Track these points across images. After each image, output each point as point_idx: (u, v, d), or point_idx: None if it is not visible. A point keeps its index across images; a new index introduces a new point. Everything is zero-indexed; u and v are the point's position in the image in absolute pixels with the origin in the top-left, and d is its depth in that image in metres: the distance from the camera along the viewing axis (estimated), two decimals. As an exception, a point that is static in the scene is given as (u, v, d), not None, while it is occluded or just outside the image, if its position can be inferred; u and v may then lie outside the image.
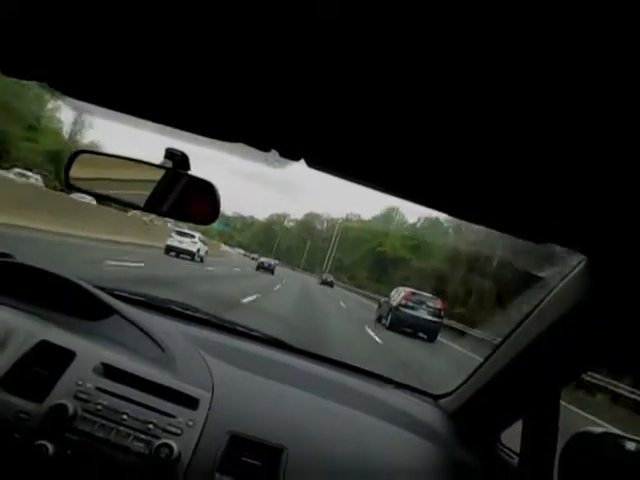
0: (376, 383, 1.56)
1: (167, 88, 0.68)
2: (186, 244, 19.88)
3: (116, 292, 1.52)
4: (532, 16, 0.37)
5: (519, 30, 0.39)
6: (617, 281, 0.83)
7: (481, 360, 1.32)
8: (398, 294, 14.43)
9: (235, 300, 9.44)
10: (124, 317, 1.32)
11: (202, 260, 20.96)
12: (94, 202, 18.85)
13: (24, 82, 0.77)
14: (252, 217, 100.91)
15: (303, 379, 1.36)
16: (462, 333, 17.55)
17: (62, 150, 32.07)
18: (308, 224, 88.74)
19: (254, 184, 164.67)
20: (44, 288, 1.33)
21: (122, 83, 0.69)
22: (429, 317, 13.75)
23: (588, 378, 9.12)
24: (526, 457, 1.16)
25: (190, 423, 1.04)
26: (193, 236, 20.20)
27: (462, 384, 1.40)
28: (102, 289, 1.42)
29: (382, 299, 16.51)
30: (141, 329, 1.29)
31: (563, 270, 0.98)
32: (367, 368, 1.65)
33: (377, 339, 10.60)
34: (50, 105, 34.42)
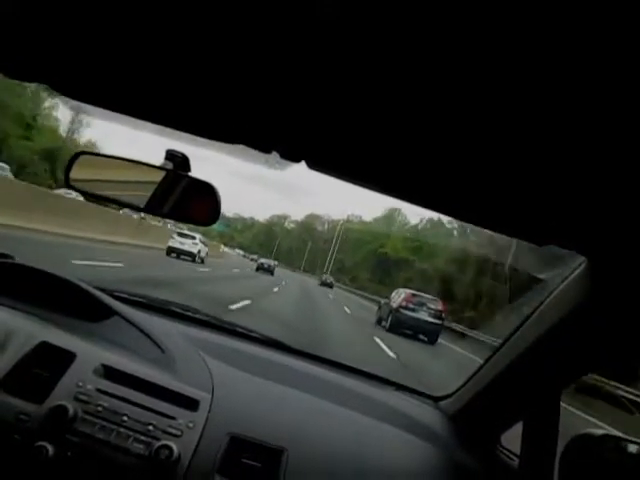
0: (376, 385, 1.55)
1: (168, 90, 0.68)
2: (187, 245, 19.94)
3: (116, 293, 1.52)
4: (531, 17, 0.37)
5: (519, 33, 0.39)
6: (617, 283, 0.82)
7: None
8: (398, 295, 14.40)
9: (223, 305, 8.24)
10: (124, 318, 1.32)
11: (203, 261, 20.99)
12: (80, 198, 18.12)
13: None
14: (252, 218, 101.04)
15: (303, 380, 1.36)
16: (462, 335, 17.50)
17: (56, 148, 31.74)
18: (309, 225, 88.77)
19: (254, 185, 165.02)
20: (44, 289, 1.33)
21: (123, 85, 0.69)
22: (430, 319, 13.70)
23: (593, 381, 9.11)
24: (526, 459, 1.16)
25: (190, 425, 1.04)
26: (194, 237, 20.25)
27: (462, 386, 1.40)
28: (102, 290, 1.42)
29: (382, 301, 16.47)
30: (141, 330, 1.29)
31: (564, 272, 0.98)
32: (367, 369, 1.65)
33: (390, 353, 9.04)
34: (47, 103, 34.41)
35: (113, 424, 1.02)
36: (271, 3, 0.44)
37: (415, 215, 67.67)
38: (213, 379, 1.18)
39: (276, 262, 35.19)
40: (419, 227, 64.20)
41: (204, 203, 1.01)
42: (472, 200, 0.74)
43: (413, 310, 13.57)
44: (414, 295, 14.31)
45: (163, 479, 0.99)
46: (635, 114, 0.44)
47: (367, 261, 59.51)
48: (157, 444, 0.99)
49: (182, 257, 19.52)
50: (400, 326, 13.26)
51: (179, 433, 1.02)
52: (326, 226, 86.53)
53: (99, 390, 1.06)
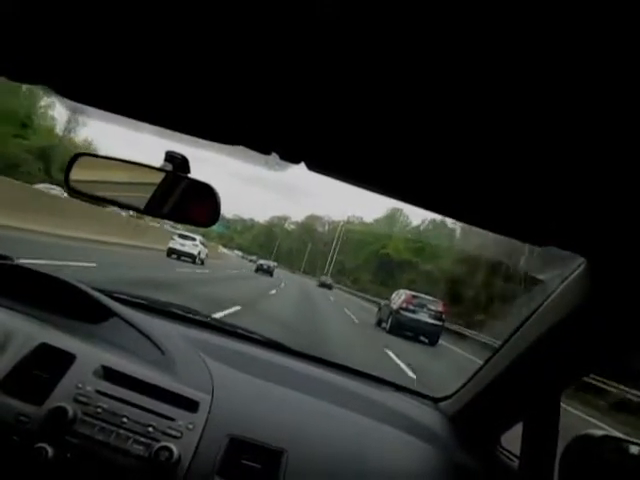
0: (376, 386, 1.55)
1: (167, 91, 0.68)
2: (187, 247, 19.95)
3: (116, 295, 1.52)
4: (531, 18, 0.37)
5: (519, 34, 0.39)
6: (617, 284, 0.83)
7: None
8: (399, 297, 14.37)
9: (205, 313, 6.19)
10: (124, 320, 1.32)
11: (202, 263, 20.97)
12: (65, 194, 16.90)
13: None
14: (252, 220, 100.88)
15: (303, 382, 1.36)
16: (463, 336, 17.42)
17: (51, 147, 31.37)
18: (309, 226, 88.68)
19: (254, 187, 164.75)
20: (44, 290, 1.33)
21: (122, 87, 0.70)
22: (430, 320, 13.67)
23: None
24: (526, 460, 1.16)
25: (190, 426, 1.04)
26: (194, 239, 20.25)
27: (462, 387, 1.40)
28: (101, 291, 1.42)
29: (382, 302, 16.44)
30: (141, 332, 1.29)
31: (564, 273, 0.98)
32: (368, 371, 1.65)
33: (409, 372, 7.41)
34: (43, 102, 34.17)
35: (113, 425, 1.02)
36: (271, 3, 0.44)
37: (417, 216, 67.54)
38: (213, 380, 1.18)
39: (275, 263, 35.20)
40: (421, 228, 64.14)
41: (204, 204, 1.01)
42: (472, 201, 0.74)
43: (413, 312, 13.54)
44: (414, 296, 14.28)
45: None
46: (634, 115, 0.44)
47: (369, 263, 59.32)
48: (157, 445, 0.99)
49: (182, 258, 19.52)
50: (400, 328, 13.23)
51: (179, 434, 1.02)
52: (326, 227, 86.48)
53: (99, 391, 1.06)
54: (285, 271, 51.76)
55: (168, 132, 0.75)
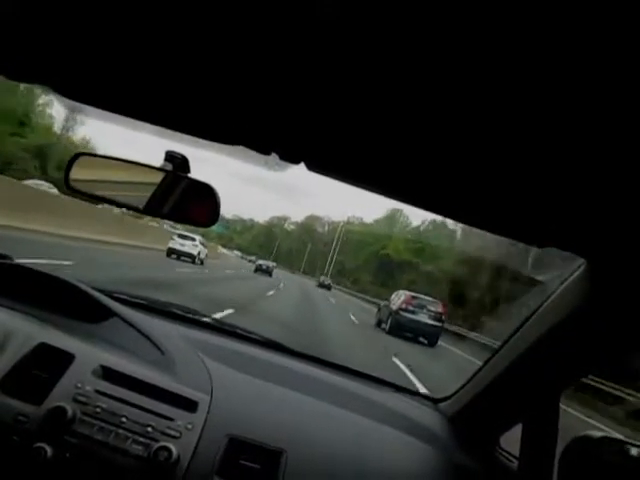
0: (375, 386, 1.55)
1: (167, 91, 0.68)
2: (187, 247, 19.97)
3: (116, 295, 1.52)
4: (531, 18, 0.37)
5: (519, 35, 0.39)
6: (616, 285, 0.83)
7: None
8: (398, 297, 14.36)
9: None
10: (123, 319, 1.32)
11: (202, 263, 20.98)
12: (54, 190, 16.47)
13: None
14: (252, 220, 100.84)
15: (302, 382, 1.36)
16: (462, 337, 17.37)
17: (48, 145, 31.10)
18: (309, 227, 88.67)
19: (254, 187, 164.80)
20: (43, 290, 1.33)
21: (122, 86, 0.70)
22: (430, 321, 13.65)
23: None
24: (525, 461, 1.16)
25: (189, 426, 1.04)
26: (194, 239, 20.26)
27: (461, 388, 1.40)
28: (101, 291, 1.42)
29: (382, 303, 16.42)
30: (140, 332, 1.29)
31: (563, 274, 0.98)
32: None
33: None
34: (41, 100, 34.01)
35: (112, 425, 1.02)
36: (271, 3, 0.44)
37: (417, 216, 67.45)
38: (212, 381, 1.18)
39: (274, 264, 35.23)
40: (421, 229, 64.09)
41: (203, 204, 1.01)
42: (472, 202, 0.74)
43: (413, 312, 13.52)
44: (414, 297, 14.26)
45: None
46: (634, 116, 0.44)
47: (369, 263, 59.21)
48: (156, 445, 0.99)
49: (182, 258, 19.51)
50: (400, 328, 13.21)
51: (178, 434, 1.02)
52: (326, 227, 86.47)
53: (98, 391, 1.06)
54: (285, 271, 51.62)
55: (168, 132, 0.75)
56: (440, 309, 14.07)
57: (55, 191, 16.11)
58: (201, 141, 0.75)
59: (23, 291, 1.30)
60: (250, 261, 46.16)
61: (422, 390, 6.90)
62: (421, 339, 13.70)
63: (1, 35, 0.63)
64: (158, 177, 1.01)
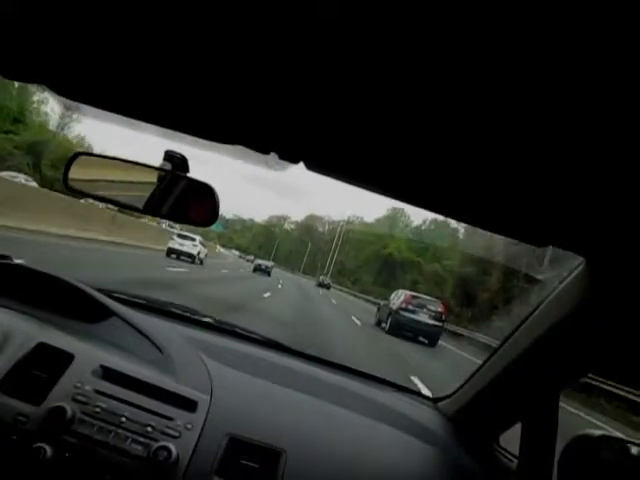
0: (375, 386, 1.55)
1: (166, 91, 0.68)
2: (187, 247, 20.00)
3: (115, 294, 1.52)
4: (531, 18, 0.37)
5: (519, 34, 0.39)
6: (616, 283, 0.83)
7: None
8: (398, 297, 14.35)
9: None
10: (123, 319, 1.32)
11: (202, 263, 20.98)
12: (33, 183, 15.47)
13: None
14: (252, 220, 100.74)
15: (302, 382, 1.36)
16: (468, 338, 17.25)
17: (41, 142, 30.51)
18: (309, 226, 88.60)
19: (254, 186, 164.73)
20: (42, 290, 1.33)
21: (121, 85, 0.70)
22: (430, 321, 13.64)
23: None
24: (525, 460, 1.16)
25: (189, 426, 1.04)
26: (194, 239, 20.29)
27: (461, 387, 1.40)
28: (100, 291, 1.42)
29: (381, 302, 16.40)
30: (140, 331, 1.29)
31: (562, 273, 0.98)
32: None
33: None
34: (36, 97, 33.60)
35: (111, 425, 1.02)
36: (271, 3, 0.44)
37: (418, 216, 67.24)
38: (212, 380, 1.18)
39: (272, 263, 35.29)
40: (422, 228, 63.98)
41: (203, 204, 1.01)
42: (471, 201, 0.74)
43: (413, 312, 13.50)
44: (414, 297, 14.26)
45: None
46: (633, 115, 0.44)
47: (370, 263, 58.97)
48: (155, 445, 0.99)
49: (182, 258, 19.50)
50: (400, 328, 13.20)
51: (177, 434, 1.02)
52: (326, 227, 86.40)
53: (97, 391, 1.06)
54: (285, 272, 51.45)
55: (167, 131, 0.75)
56: (440, 309, 14.05)
57: (34, 184, 15.17)
58: (200, 141, 0.75)
59: (22, 291, 1.30)
60: (248, 260, 46.26)
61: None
62: (421, 339, 13.69)
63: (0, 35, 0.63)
64: (157, 177, 1.01)
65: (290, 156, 0.71)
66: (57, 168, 27.30)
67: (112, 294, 1.50)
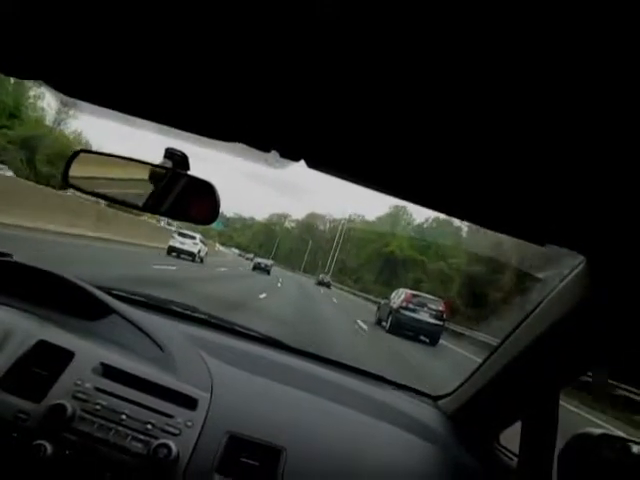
0: (375, 383, 1.56)
1: (167, 88, 0.68)
2: (187, 245, 19.99)
3: (115, 292, 1.52)
4: (531, 17, 0.37)
5: (519, 34, 0.39)
6: (616, 282, 0.83)
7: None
8: (398, 296, 14.30)
9: None
10: (123, 317, 1.32)
11: (202, 261, 20.98)
12: (9, 173, 14.85)
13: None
14: (252, 218, 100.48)
15: (302, 380, 1.36)
16: (473, 339, 17.15)
17: (36, 137, 29.69)
18: (310, 225, 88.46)
19: (254, 184, 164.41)
20: (42, 287, 1.33)
21: (122, 83, 0.70)
22: (431, 320, 13.59)
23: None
24: (525, 458, 1.16)
25: (189, 423, 1.04)
26: (194, 237, 20.28)
27: (461, 385, 1.40)
28: (100, 288, 1.42)
29: (382, 301, 16.38)
30: (140, 329, 1.29)
31: (562, 271, 0.98)
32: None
33: None
34: (32, 93, 33.05)
35: (112, 423, 1.02)
36: (271, 3, 0.44)
37: (420, 214, 66.91)
38: (212, 378, 1.18)
39: (272, 262, 35.18)
40: (425, 226, 63.76)
41: (203, 202, 1.01)
42: (473, 200, 0.74)
43: (413, 311, 13.45)
44: (414, 295, 14.22)
45: (162, 478, 0.99)
46: (634, 115, 0.44)
47: (371, 262, 58.60)
48: (156, 443, 0.99)
49: (182, 256, 19.49)
50: (400, 327, 13.15)
51: (178, 432, 1.02)
52: (327, 225, 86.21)
53: (98, 389, 1.06)
54: (285, 270, 51.26)
55: (167, 129, 0.75)
56: (441, 307, 14.01)
57: (10, 173, 14.38)
58: (201, 138, 0.75)
59: (22, 289, 1.30)
60: (248, 259, 46.27)
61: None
62: (422, 338, 13.67)
63: (0, 32, 0.63)
64: (158, 174, 1.01)
65: (291, 154, 0.71)
66: (53, 164, 27.01)
67: (112, 291, 1.50)
